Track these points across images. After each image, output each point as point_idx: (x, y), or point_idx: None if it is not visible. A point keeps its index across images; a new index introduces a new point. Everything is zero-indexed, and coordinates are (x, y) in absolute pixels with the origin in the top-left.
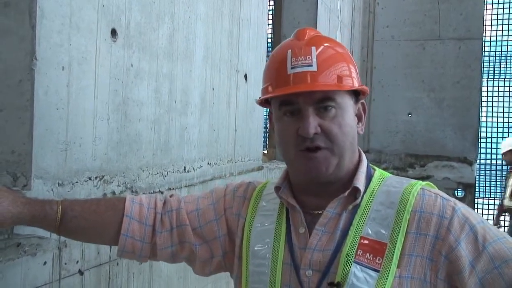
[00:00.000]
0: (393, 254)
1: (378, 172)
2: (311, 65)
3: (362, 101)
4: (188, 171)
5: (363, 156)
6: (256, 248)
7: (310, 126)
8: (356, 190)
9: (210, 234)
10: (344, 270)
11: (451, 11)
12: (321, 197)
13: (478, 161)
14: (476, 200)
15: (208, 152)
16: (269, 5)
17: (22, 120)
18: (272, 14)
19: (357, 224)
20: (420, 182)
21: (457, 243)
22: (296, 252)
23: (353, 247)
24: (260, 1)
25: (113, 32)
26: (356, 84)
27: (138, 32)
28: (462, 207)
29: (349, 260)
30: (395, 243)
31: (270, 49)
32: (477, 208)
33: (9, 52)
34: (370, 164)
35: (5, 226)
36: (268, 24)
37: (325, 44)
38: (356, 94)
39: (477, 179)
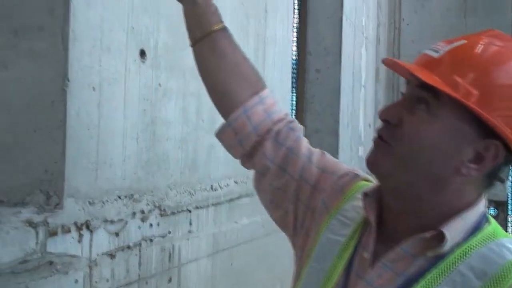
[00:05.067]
0: None
1: (490, 228)
2: (438, 52)
3: (496, 142)
4: (215, 190)
5: (479, 206)
6: (319, 254)
7: (385, 109)
8: (442, 236)
9: (310, 177)
10: None
11: (477, 25)
12: (401, 226)
13: (510, 178)
14: (508, 218)
15: (235, 170)
16: (293, 22)
17: (55, 140)
18: (296, 32)
19: (429, 278)
20: None
21: None
22: (351, 277)
23: None
24: (285, 19)
25: (142, 53)
26: (471, 104)
27: (166, 52)
28: None
29: None
30: None
31: (295, 66)
32: (509, 226)
33: (43, 74)
34: (489, 216)
35: None
36: (293, 41)
37: (492, 46)
38: (486, 128)
39: (509, 197)
